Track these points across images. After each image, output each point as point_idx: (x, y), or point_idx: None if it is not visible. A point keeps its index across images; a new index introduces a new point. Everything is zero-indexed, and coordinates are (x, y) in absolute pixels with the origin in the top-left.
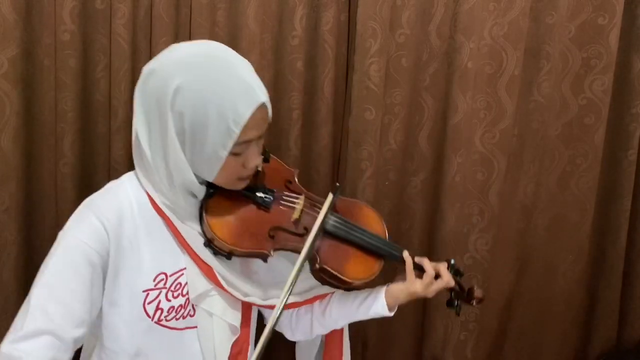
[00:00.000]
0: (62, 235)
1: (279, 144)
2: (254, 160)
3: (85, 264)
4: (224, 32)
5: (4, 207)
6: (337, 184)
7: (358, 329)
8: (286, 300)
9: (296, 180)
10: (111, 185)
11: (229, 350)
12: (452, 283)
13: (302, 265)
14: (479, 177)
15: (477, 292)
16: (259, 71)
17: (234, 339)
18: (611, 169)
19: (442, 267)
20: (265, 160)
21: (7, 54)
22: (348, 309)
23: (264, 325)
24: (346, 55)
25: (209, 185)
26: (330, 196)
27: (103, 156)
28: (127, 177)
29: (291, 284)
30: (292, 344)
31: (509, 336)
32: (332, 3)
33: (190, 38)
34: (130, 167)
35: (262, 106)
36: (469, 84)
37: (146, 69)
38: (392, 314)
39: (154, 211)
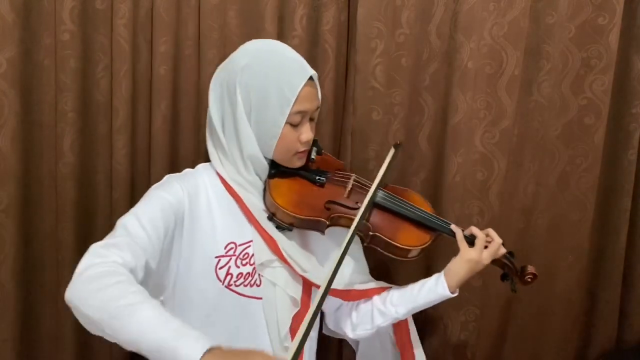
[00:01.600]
0: (147, 192)
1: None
2: (308, 134)
3: (163, 212)
4: (234, 34)
5: (2, 207)
6: (399, 142)
7: None
8: (338, 267)
9: (346, 169)
10: (188, 170)
11: (290, 322)
12: (502, 249)
13: (355, 232)
14: (479, 177)
15: (530, 268)
16: None
17: (295, 311)
18: (611, 169)
19: (491, 230)
20: (318, 153)
21: (6, 54)
22: (409, 294)
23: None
24: (346, 55)
25: (271, 167)
26: (391, 151)
27: (103, 156)
28: (201, 166)
29: (345, 247)
30: None
31: (509, 336)
32: (332, 3)
33: (199, 39)
34: (132, 167)
35: (312, 80)
36: (469, 84)
37: (223, 62)
38: (454, 294)
39: (225, 190)
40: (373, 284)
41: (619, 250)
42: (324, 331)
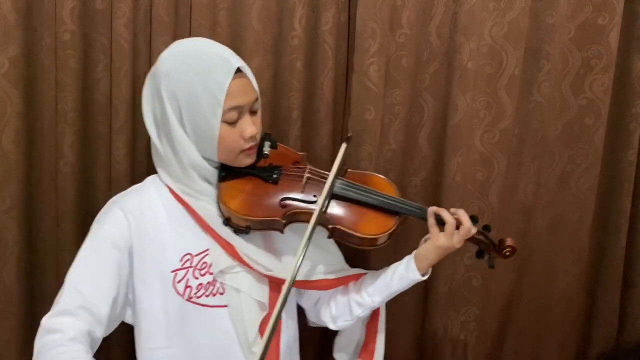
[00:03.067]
0: (91, 228)
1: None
2: (249, 129)
3: (111, 248)
4: (225, 32)
5: (5, 207)
6: (349, 134)
7: None
8: (300, 263)
9: (305, 161)
10: (134, 186)
11: (258, 327)
12: (472, 229)
13: (315, 226)
14: (479, 177)
15: (509, 241)
16: (259, 71)
17: (263, 314)
18: (611, 169)
19: (461, 213)
20: (272, 146)
21: (8, 54)
22: (382, 281)
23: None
24: (346, 55)
25: (221, 170)
26: (343, 145)
27: (103, 156)
28: (150, 179)
29: (304, 245)
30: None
31: (509, 336)
32: (332, 3)
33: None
34: (131, 167)
35: (241, 75)
36: (469, 84)
37: (148, 74)
38: (424, 277)
39: (175, 201)
40: (345, 272)
41: (619, 250)
42: (309, 324)
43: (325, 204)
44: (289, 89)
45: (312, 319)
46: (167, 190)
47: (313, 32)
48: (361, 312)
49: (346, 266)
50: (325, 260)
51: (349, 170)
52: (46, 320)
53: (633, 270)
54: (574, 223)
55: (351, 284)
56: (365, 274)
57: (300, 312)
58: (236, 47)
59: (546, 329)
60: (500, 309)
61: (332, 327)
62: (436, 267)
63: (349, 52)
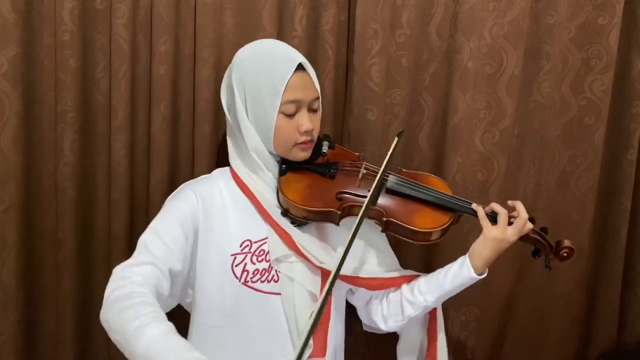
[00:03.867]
0: (164, 205)
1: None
2: (305, 123)
3: (180, 220)
4: (230, 33)
5: (4, 207)
6: (402, 130)
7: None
8: (347, 251)
9: (362, 160)
10: (204, 175)
11: (309, 317)
12: (529, 224)
13: (364, 216)
14: (479, 177)
15: (567, 242)
16: None
17: (314, 305)
18: (611, 169)
19: (518, 204)
20: (330, 147)
21: (7, 54)
22: (435, 280)
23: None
24: (346, 56)
25: (282, 164)
26: (395, 139)
27: (103, 156)
28: (218, 171)
29: (354, 230)
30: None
31: (509, 336)
32: (332, 3)
33: (195, 38)
34: (130, 167)
35: (302, 71)
36: (469, 84)
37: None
38: (481, 276)
39: (239, 191)
40: (398, 273)
41: (619, 250)
42: (363, 327)
43: (376, 197)
44: None
45: (365, 319)
46: (233, 182)
47: (313, 32)
48: (413, 312)
49: (400, 268)
50: (378, 259)
51: (403, 170)
52: (119, 269)
53: (633, 270)
54: (574, 223)
55: (404, 285)
56: (417, 275)
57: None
58: (241, 47)
59: (546, 329)
60: (500, 309)
61: (383, 327)
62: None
63: (349, 52)
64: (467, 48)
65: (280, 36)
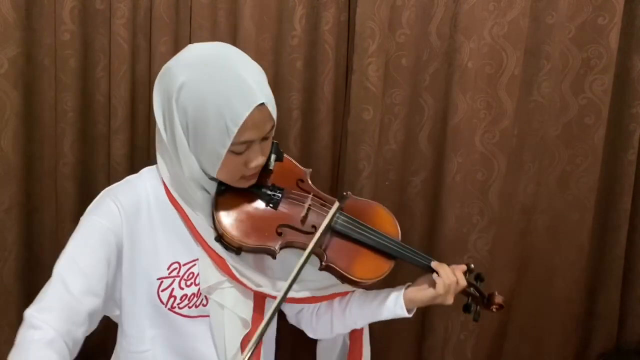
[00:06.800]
0: (82, 218)
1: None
2: (256, 160)
3: (101, 242)
4: (224, 33)
5: (4, 207)
6: (345, 193)
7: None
8: (287, 292)
9: (308, 179)
10: (130, 177)
11: (239, 343)
12: (463, 282)
13: (306, 261)
14: (479, 177)
15: (498, 298)
16: None
17: (245, 332)
18: (611, 169)
19: (458, 270)
20: (279, 159)
21: (8, 54)
22: (367, 309)
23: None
24: (346, 56)
25: (220, 184)
26: (336, 204)
27: (103, 156)
28: (146, 170)
29: (294, 277)
30: (314, 345)
31: (509, 336)
32: (332, 3)
33: (190, 39)
34: (130, 167)
35: (262, 107)
36: (469, 84)
37: (164, 66)
38: (410, 315)
39: (169, 203)
40: (332, 290)
41: (619, 250)
42: (290, 322)
43: (319, 241)
44: (289, 89)
45: (292, 322)
46: (163, 189)
47: (313, 32)
48: (342, 330)
49: (335, 282)
50: (314, 276)
51: (351, 196)
52: (30, 314)
53: (633, 270)
54: (574, 223)
55: (336, 302)
56: (352, 292)
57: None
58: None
59: (546, 329)
60: None
61: (311, 335)
62: None
63: (349, 52)
64: (467, 48)
65: (280, 36)
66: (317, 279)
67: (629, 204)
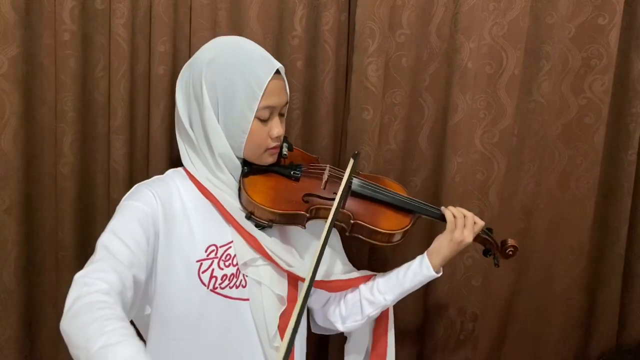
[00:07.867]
0: (119, 205)
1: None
2: (278, 129)
3: (140, 222)
4: (224, 33)
5: (4, 207)
6: (356, 152)
7: None
8: (320, 259)
9: (320, 163)
10: (157, 176)
11: (278, 321)
12: (479, 222)
13: (333, 220)
14: (479, 177)
15: (510, 241)
16: None
17: (282, 309)
18: (611, 169)
19: (460, 208)
20: (289, 149)
21: (8, 54)
22: (394, 280)
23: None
24: (346, 56)
25: (244, 166)
26: (351, 161)
27: (103, 156)
28: (171, 172)
29: (326, 236)
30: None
31: (509, 336)
32: (332, 3)
33: (190, 38)
34: (130, 167)
35: (279, 74)
36: (469, 84)
37: (187, 63)
38: (438, 274)
39: (199, 193)
40: (356, 274)
41: (618, 250)
42: (312, 329)
43: (344, 200)
44: (290, 88)
45: (319, 321)
46: (190, 183)
47: (313, 32)
48: (372, 311)
49: (352, 267)
50: (336, 260)
51: (361, 173)
52: (80, 275)
53: (633, 270)
54: (574, 223)
55: (362, 285)
56: (374, 275)
57: None
58: None
59: (546, 329)
60: (500, 309)
61: (340, 328)
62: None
63: (349, 52)
64: (467, 48)
65: (280, 36)
66: (341, 262)
67: (629, 204)
